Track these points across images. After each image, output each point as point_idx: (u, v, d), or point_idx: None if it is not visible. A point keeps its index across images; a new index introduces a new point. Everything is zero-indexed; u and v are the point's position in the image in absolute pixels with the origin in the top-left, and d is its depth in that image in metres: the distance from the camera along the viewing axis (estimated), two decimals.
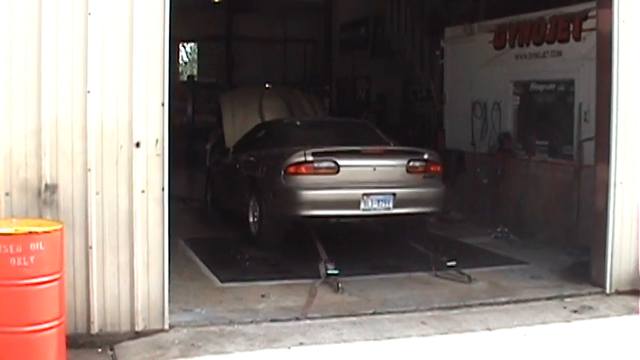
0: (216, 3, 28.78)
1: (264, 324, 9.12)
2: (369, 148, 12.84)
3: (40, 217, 8.01)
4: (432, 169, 12.79)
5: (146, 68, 8.33)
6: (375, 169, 12.35)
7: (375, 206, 12.12)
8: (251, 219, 13.27)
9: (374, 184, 12.21)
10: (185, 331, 8.72)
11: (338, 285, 10.60)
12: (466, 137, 16.62)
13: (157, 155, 8.41)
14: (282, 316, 9.38)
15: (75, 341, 8.02)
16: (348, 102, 27.84)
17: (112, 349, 8.16)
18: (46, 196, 8.08)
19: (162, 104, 8.40)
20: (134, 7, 8.27)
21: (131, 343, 8.31)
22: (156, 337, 8.47)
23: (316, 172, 12.15)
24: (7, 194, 7.99)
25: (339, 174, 12.16)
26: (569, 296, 10.47)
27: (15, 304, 7.19)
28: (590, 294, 10.56)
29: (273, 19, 29.51)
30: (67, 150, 8.14)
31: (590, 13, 12.59)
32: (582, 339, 9.00)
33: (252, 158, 13.77)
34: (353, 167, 12.27)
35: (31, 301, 7.25)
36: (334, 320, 9.31)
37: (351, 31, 28.31)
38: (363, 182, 12.18)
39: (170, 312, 8.72)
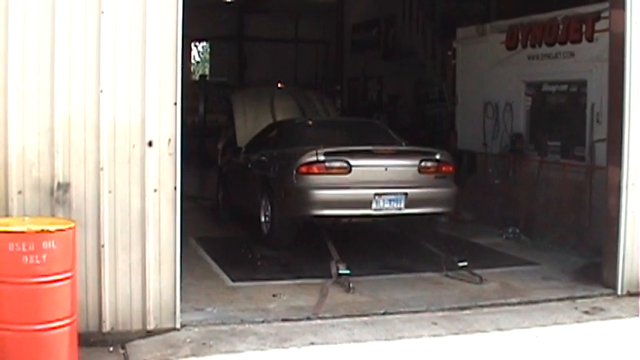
0: (228, 3, 28.82)
1: (276, 323, 9.13)
2: (381, 148, 12.81)
3: (53, 215, 8.04)
4: (443, 169, 12.76)
5: (159, 67, 8.35)
6: (386, 169, 12.33)
7: (387, 206, 12.11)
8: (262, 218, 13.28)
9: (386, 184, 12.19)
10: (196, 330, 8.74)
11: (349, 285, 10.61)
12: (478, 138, 16.60)
13: (170, 154, 8.43)
14: (294, 316, 9.39)
15: (86, 340, 8.04)
16: (359, 102, 27.85)
17: (123, 347, 8.18)
18: (58, 194, 8.10)
19: (175, 103, 8.42)
20: (147, 6, 8.28)
21: (142, 341, 8.34)
22: (167, 335, 8.49)
23: (328, 171, 12.14)
24: (19, 193, 8.01)
25: (351, 174, 12.15)
26: (581, 297, 10.45)
27: (27, 302, 7.21)
28: (601, 295, 10.55)
29: (284, 19, 29.55)
30: (80, 149, 8.17)
31: (603, 14, 12.57)
32: (593, 340, 8.98)
33: (263, 158, 13.77)
34: (365, 167, 12.26)
35: (42, 300, 7.27)
36: (345, 320, 9.32)
37: (363, 32, 28.31)
38: (374, 182, 12.17)
39: (181, 311, 8.73)
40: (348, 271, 10.89)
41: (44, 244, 7.18)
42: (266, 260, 12.37)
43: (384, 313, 9.63)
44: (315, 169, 12.14)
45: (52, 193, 8.09)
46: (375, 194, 12.03)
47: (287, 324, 9.12)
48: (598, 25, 13.10)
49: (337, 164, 12.15)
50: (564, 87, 14.53)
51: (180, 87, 8.45)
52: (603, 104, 12.07)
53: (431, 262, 11.93)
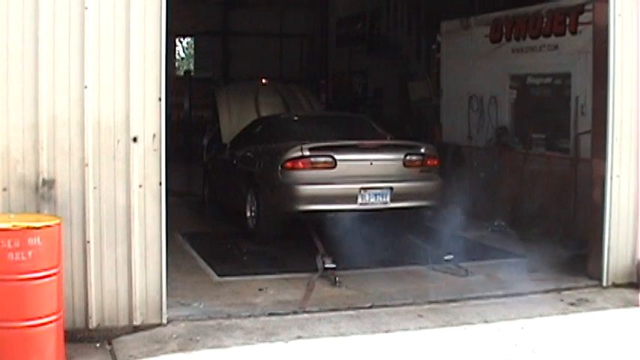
0: None
1: (262, 318, 9.14)
2: (366, 143, 12.85)
3: (38, 212, 8.02)
4: (429, 162, 12.82)
5: (143, 63, 8.34)
6: (372, 164, 12.37)
7: (373, 200, 12.15)
8: (248, 214, 13.29)
9: (371, 179, 12.23)
10: (183, 325, 8.74)
11: (335, 279, 10.63)
12: (463, 131, 16.63)
13: (154, 150, 8.42)
14: (280, 310, 9.40)
15: (73, 336, 8.04)
16: (344, 97, 27.85)
17: (110, 343, 8.18)
18: (43, 191, 8.09)
19: (160, 99, 8.41)
20: (131, 1, 8.27)
21: (129, 337, 8.33)
22: (154, 331, 8.48)
23: (313, 166, 12.17)
24: (4, 190, 7.99)
25: (337, 169, 12.19)
26: (566, 289, 10.49)
27: (13, 299, 7.21)
28: (587, 287, 10.59)
29: (269, 14, 29.50)
30: (65, 145, 8.15)
31: (587, 7, 12.61)
32: (579, 332, 9.02)
33: (249, 154, 13.78)
34: (350, 162, 12.29)
35: (29, 296, 7.27)
36: (332, 314, 9.33)
37: (348, 26, 28.30)
38: (360, 176, 12.21)
39: (168, 306, 8.72)
40: (334, 265, 10.92)
41: (30, 241, 7.18)
42: (252, 255, 12.38)
43: (370, 307, 9.65)
44: (300, 164, 12.17)
45: (37, 189, 8.08)
46: (361, 189, 12.07)
47: (273, 318, 9.14)
48: (582, 18, 13.13)
49: (322, 159, 12.18)
50: (548, 80, 14.56)
51: (164, 83, 8.45)
52: (587, 96, 12.12)
53: (417, 255, 11.96)
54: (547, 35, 14.24)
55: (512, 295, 10.24)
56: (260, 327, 8.80)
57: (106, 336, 8.29)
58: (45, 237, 7.29)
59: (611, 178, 10.49)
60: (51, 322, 7.42)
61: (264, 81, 18.90)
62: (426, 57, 21.64)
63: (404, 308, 9.61)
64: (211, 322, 8.90)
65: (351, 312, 9.43)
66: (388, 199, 12.22)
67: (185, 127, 25.76)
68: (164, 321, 8.65)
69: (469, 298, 10.05)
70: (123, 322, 8.46)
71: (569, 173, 13.37)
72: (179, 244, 12.74)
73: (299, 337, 8.50)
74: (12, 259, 7.12)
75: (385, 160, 12.57)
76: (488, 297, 10.14)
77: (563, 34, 13.80)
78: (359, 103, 26.13)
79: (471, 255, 12.10)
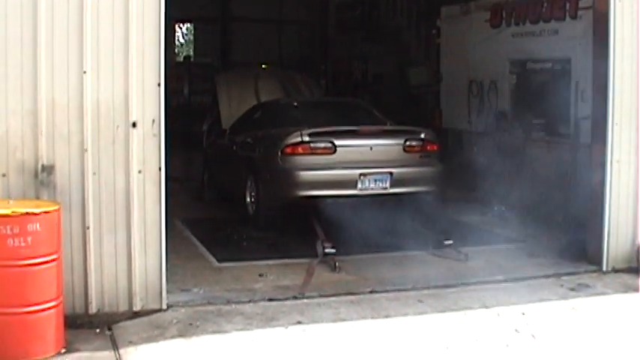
0: None
1: (262, 303, 9.15)
2: (366, 128, 12.84)
3: (37, 197, 8.02)
4: (428, 148, 12.81)
5: (142, 48, 8.32)
6: (371, 149, 12.36)
7: (372, 186, 12.16)
8: (248, 199, 13.28)
9: (371, 164, 12.22)
10: (183, 310, 8.75)
11: (335, 264, 10.64)
12: (463, 116, 16.62)
13: (154, 135, 8.41)
14: (280, 295, 9.41)
15: (73, 321, 8.05)
16: (344, 82, 27.79)
17: (110, 329, 8.18)
18: (42, 176, 8.08)
19: (159, 84, 8.39)
20: None
21: (129, 323, 8.33)
22: (154, 316, 8.49)
23: (313, 152, 12.17)
24: (3, 175, 7.99)
25: (336, 154, 12.18)
26: (566, 274, 10.50)
27: (13, 284, 7.23)
28: (586, 272, 10.60)
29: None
30: (64, 131, 8.14)
31: None
32: (579, 316, 9.02)
33: (248, 139, 13.76)
34: (350, 147, 12.29)
35: (28, 282, 7.28)
36: (332, 299, 9.33)
37: (348, 12, 28.21)
38: (359, 162, 12.20)
39: (168, 292, 8.74)
40: (334, 251, 10.93)
41: (29, 227, 7.19)
42: (252, 241, 12.39)
43: (370, 292, 9.66)
44: (300, 149, 12.17)
45: (36, 175, 8.07)
46: (361, 174, 12.07)
47: (273, 303, 9.15)
48: (582, 3, 13.10)
49: (322, 145, 12.18)
50: (548, 65, 14.54)
51: (163, 68, 8.43)
52: (587, 82, 12.08)
53: (417, 240, 11.92)
54: (547, 20, 14.22)
55: (512, 280, 10.26)
56: (260, 312, 8.81)
57: (106, 321, 8.29)
58: (44, 223, 7.30)
59: (611, 163, 10.49)
60: (51, 307, 7.44)
61: (263, 66, 18.87)
62: (426, 42, 21.58)
63: (404, 293, 9.61)
64: (211, 308, 8.91)
65: (351, 297, 9.44)
66: (388, 184, 12.22)
67: (185, 113, 25.69)
68: (164, 306, 8.66)
69: (469, 284, 10.06)
70: (123, 307, 8.47)
71: (569, 158, 13.35)
72: (179, 230, 12.74)
73: (299, 323, 8.51)
74: (11, 245, 7.13)
75: (385, 146, 12.56)
76: (488, 282, 10.16)
77: (563, 18, 13.78)
78: (359, 89, 26.07)
79: (470, 240, 12.09)
